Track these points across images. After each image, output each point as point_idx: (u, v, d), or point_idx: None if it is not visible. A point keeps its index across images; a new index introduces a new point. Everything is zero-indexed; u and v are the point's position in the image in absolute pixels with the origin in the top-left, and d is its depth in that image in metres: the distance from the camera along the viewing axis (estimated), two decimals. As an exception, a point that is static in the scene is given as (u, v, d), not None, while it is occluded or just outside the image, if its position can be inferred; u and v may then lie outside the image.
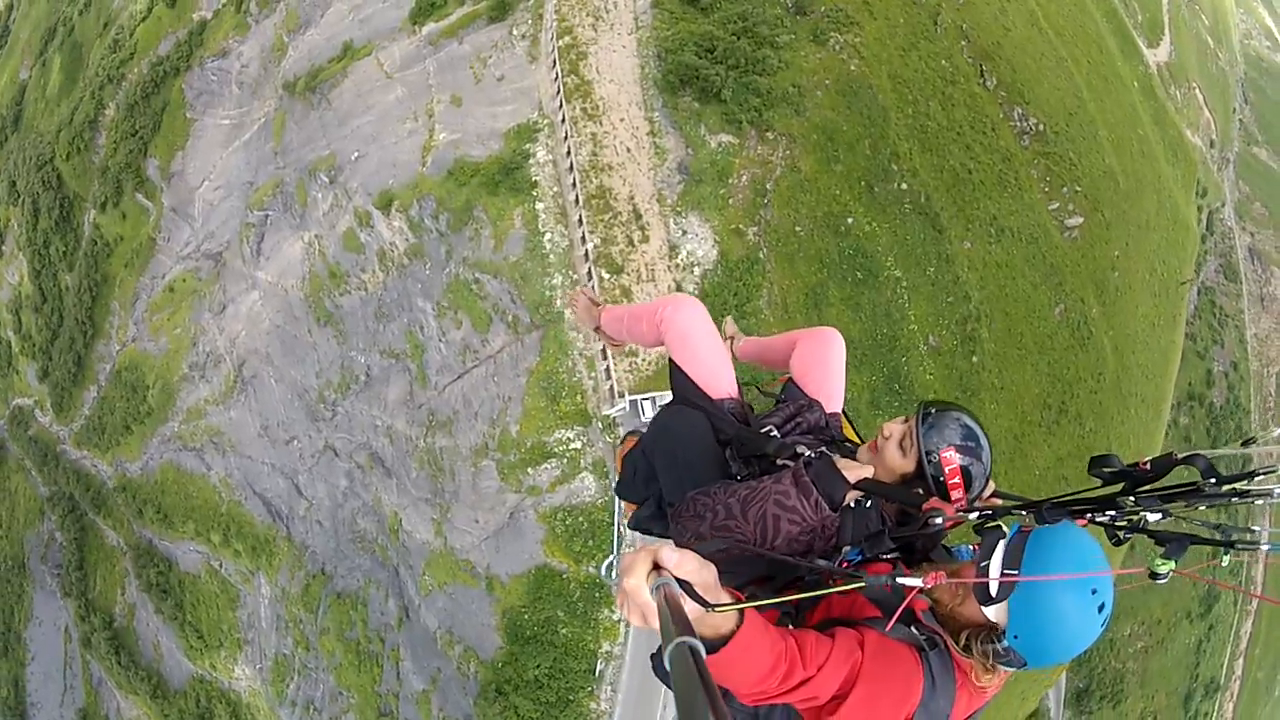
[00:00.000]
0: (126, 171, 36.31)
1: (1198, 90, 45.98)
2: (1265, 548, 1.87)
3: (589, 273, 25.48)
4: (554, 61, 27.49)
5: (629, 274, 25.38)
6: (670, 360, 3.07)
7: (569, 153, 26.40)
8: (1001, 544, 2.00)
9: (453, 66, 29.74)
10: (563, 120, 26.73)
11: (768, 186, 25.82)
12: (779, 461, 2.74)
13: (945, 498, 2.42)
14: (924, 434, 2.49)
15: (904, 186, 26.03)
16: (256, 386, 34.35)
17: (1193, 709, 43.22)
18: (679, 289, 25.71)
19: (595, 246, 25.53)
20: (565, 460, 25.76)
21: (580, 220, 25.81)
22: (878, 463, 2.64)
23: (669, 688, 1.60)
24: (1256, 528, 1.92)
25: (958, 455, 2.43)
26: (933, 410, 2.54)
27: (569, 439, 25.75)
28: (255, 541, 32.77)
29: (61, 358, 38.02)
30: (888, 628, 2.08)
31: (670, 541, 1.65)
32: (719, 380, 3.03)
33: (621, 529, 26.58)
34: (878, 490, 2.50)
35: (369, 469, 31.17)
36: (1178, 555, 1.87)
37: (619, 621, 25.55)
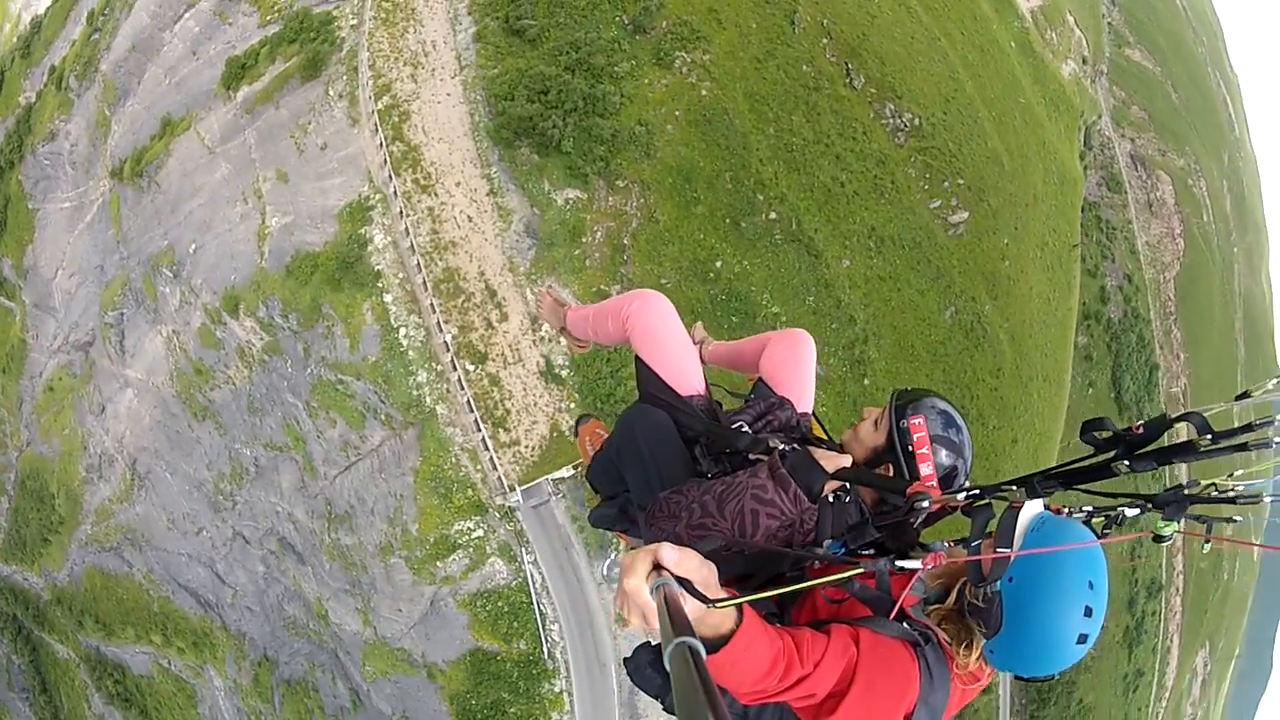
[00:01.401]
0: None
1: (1070, 16, 42.98)
2: (1269, 499, 1.89)
3: (452, 364, 24.59)
4: (376, 126, 25.30)
5: (494, 360, 24.30)
6: (636, 357, 3.04)
7: (407, 232, 24.66)
8: (992, 522, 2.03)
9: (273, 136, 27.30)
10: (395, 195, 24.87)
11: (625, 242, 24.35)
12: (752, 456, 2.72)
13: (914, 470, 2.49)
14: (898, 407, 2.58)
15: (772, 215, 24.62)
16: (153, 482, 33.71)
17: (1138, 611, 45.82)
18: (547, 364, 24.81)
19: (453, 337, 24.32)
20: (471, 549, 25.62)
21: (433, 308, 24.65)
22: (854, 442, 2.73)
23: (645, 692, 1.98)
24: (1250, 482, 1.92)
25: (926, 424, 2.51)
26: (909, 390, 2.66)
27: (469, 529, 25.47)
28: (194, 635, 32.85)
29: None
30: (889, 618, 2.11)
31: (668, 543, 1.64)
32: (686, 376, 3.01)
33: (542, 606, 27.32)
34: (857, 478, 2.51)
35: (281, 555, 30.96)
36: (1178, 516, 1.93)
37: (560, 693, 26.53)
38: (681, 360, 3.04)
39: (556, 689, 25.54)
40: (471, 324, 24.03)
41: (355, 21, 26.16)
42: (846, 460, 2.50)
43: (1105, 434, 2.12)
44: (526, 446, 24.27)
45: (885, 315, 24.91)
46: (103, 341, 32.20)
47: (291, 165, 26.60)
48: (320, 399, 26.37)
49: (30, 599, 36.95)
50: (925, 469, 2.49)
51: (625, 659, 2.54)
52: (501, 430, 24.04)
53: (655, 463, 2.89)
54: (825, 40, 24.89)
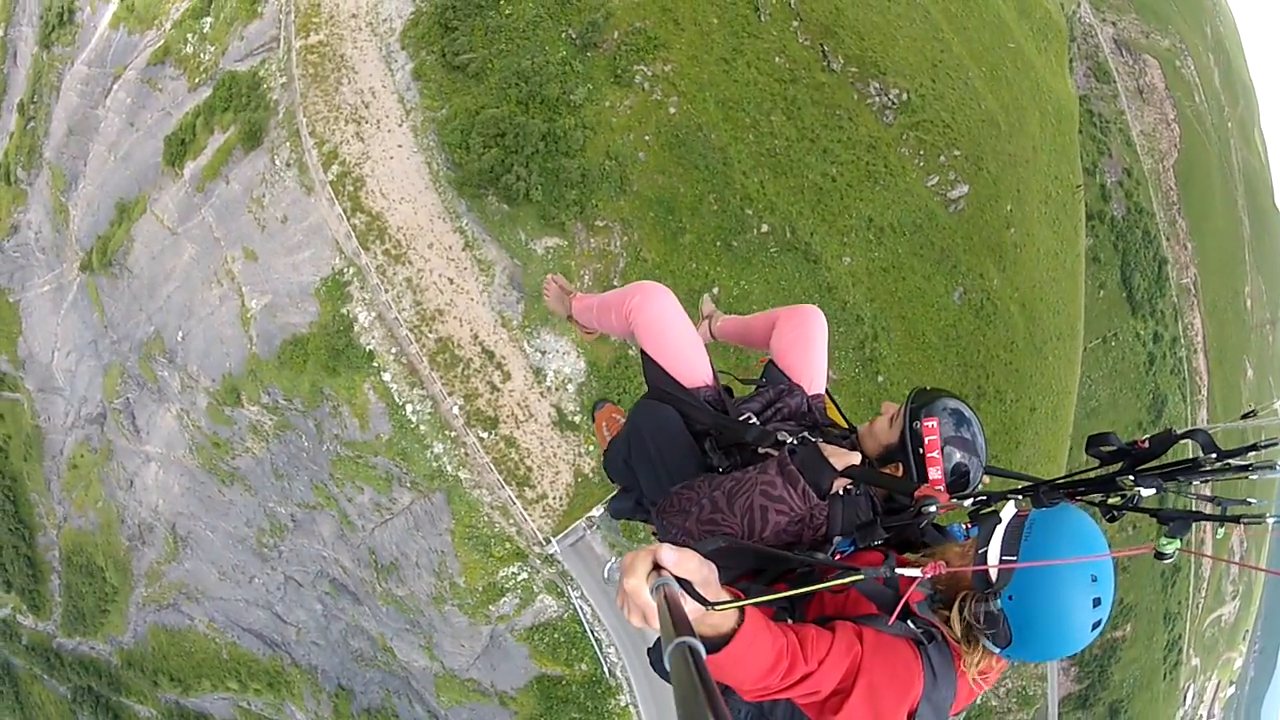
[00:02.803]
0: None
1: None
2: (1271, 519, 1.97)
3: (465, 431, 25.01)
4: (331, 198, 24.35)
5: (505, 422, 24.56)
6: (642, 351, 3.11)
7: (391, 306, 24.39)
8: (999, 529, 2.11)
9: (231, 213, 26.31)
10: (369, 269, 24.33)
11: (615, 283, 23.88)
12: (761, 450, 2.82)
13: (923, 473, 2.56)
14: (913, 407, 2.66)
15: (764, 228, 23.81)
16: (196, 540, 35.23)
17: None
18: (559, 414, 25.03)
19: (460, 408, 24.63)
20: (519, 590, 26.96)
21: (434, 379, 24.76)
22: (869, 437, 2.82)
23: (668, 682, 2.44)
24: (1255, 499, 2.08)
25: (939, 427, 2.58)
26: (927, 389, 2.73)
27: (514, 574, 26.67)
28: (268, 675, 35.40)
29: (14, 566, 38.56)
30: (890, 622, 2.21)
31: (668, 544, 1.71)
32: (692, 369, 3.06)
33: (596, 634, 29.14)
34: (866, 477, 2.59)
35: (336, 595, 32.88)
36: (1182, 533, 1.99)
37: (626, 706, 28.81)
38: (686, 353, 3.06)
39: (622, 703, 27.72)
40: (476, 390, 24.24)
41: (284, 79, 24.51)
42: (855, 458, 2.58)
43: (1110, 448, 2.20)
44: (554, 498, 25.09)
45: (892, 307, 24.63)
46: (115, 424, 32.87)
47: (257, 242, 25.96)
48: (342, 471, 27.14)
49: (101, 667, 39.28)
50: (934, 472, 2.54)
51: (648, 650, 2.61)
52: (527, 488, 24.79)
53: (664, 459, 2.98)
54: (795, 23, 22.95)
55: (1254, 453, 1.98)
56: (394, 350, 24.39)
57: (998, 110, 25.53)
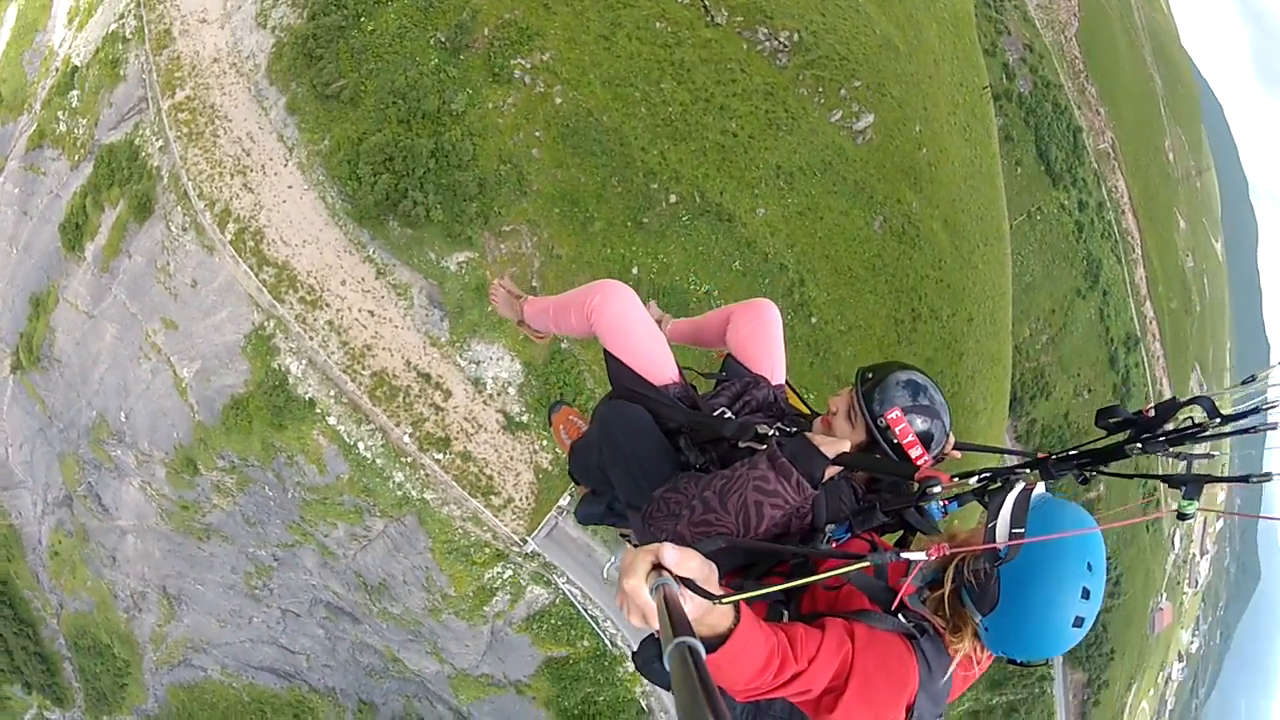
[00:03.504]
0: None
1: None
2: (1278, 476, 1.99)
3: (421, 457, 25.39)
4: (234, 257, 24.04)
5: (456, 438, 24.80)
6: (605, 351, 3.09)
7: (320, 353, 24.46)
8: (1008, 503, 2.10)
9: (141, 287, 25.88)
10: (288, 319, 24.26)
11: (534, 284, 23.88)
12: (741, 444, 2.77)
13: (905, 458, 2.59)
14: (866, 401, 2.66)
15: (673, 199, 23.70)
16: (189, 596, 35.79)
17: (1120, 367, 48.51)
18: (506, 418, 25.32)
19: (411, 435, 24.96)
20: (508, 587, 27.89)
21: (379, 414, 25.01)
22: (829, 436, 2.73)
23: (654, 684, 2.37)
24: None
25: (906, 415, 2.59)
26: (869, 375, 2.71)
27: (500, 573, 27.33)
28: (291, 707, 36.27)
29: (28, 666, 39.05)
30: (889, 613, 2.23)
31: (669, 544, 1.71)
32: (659, 366, 3.06)
33: (590, 612, 30.23)
34: (861, 464, 2.60)
35: (335, 619, 33.88)
36: (1197, 495, 2.03)
37: (634, 671, 30.11)
38: (652, 350, 3.06)
39: (630, 669, 29.14)
40: (421, 415, 24.50)
41: (160, 143, 23.91)
42: (845, 445, 2.57)
43: (1116, 419, 2.24)
44: (520, 499, 25.67)
45: (814, 249, 24.82)
46: (83, 508, 33.09)
47: (172, 310, 25.72)
48: (312, 513, 27.54)
49: (132, 742, 40.86)
50: (915, 452, 2.57)
51: (633, 653, 2.63)
52: (492, 495, 25.30)
53: (638, 460, 2.94)
54: (668, -17, 22.66)
55: (1255, 415, 2.03)
56: (333, 393, 24.56)
57: (893, 31, 25.26)
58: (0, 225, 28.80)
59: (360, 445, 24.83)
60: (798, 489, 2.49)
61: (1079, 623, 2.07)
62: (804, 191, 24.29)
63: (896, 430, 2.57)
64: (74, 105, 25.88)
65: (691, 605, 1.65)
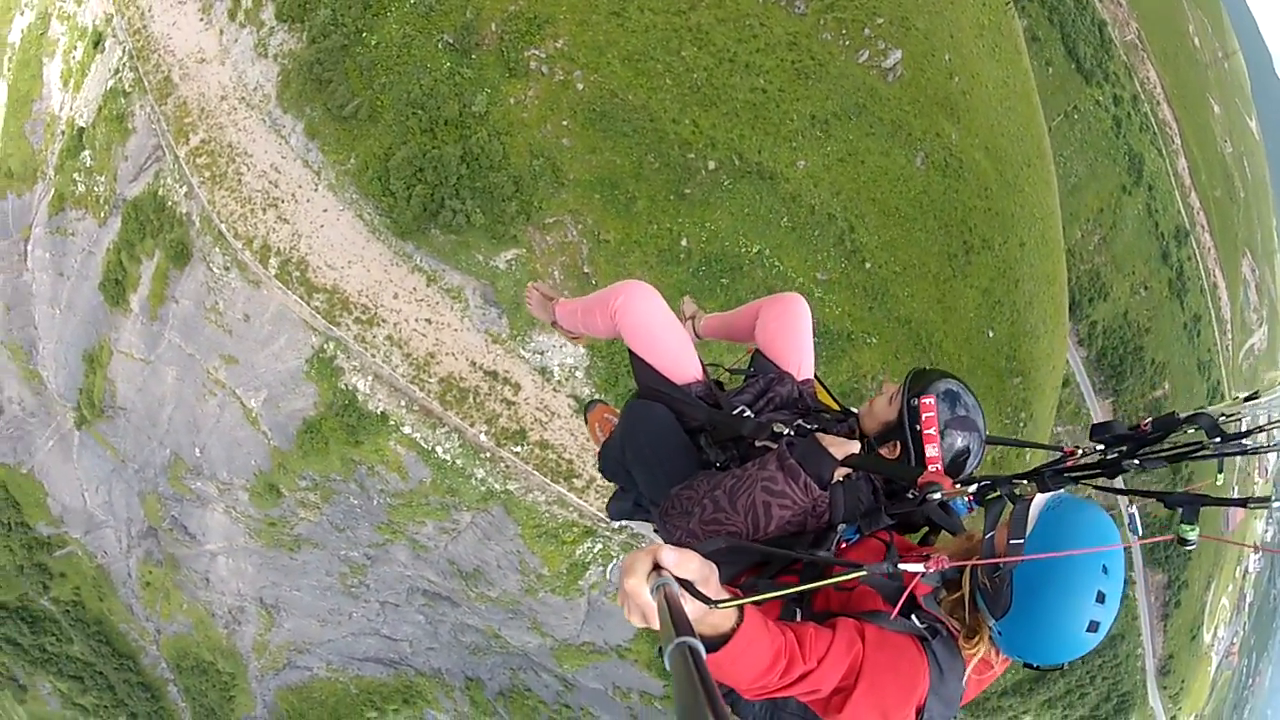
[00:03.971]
0: (30, 567, 36.17)
1: None
2: (1277, 504, 1.99)
3: (499, 452, 26.06)
4: (282, 289, 24.15)
5: (532, 429, 25.46)
6: (630, 351, 3.14)
7: (385, 367, 24.85)
8: (1006, 513, 2.15)
9: (194, 329, 26.22)
10: (347, 340, 24.60)
11: (586, 270, 23.92)
12: (758, 443, 2.85)
13: (920, 449, 2.61)
14: (911, 382, 2.75)
15: (711, 165, 23.33)
16: (287, 603, 37.59)
17: (1173, 261, 47.82)
18: (577, 402, 25.85)
19: (486, 433, 25.59)
20: (600, 559, 29.27)
21: (452, 417, 25.55)
22: (869, 416, 2.88)
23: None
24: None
25: (937, 405, 2.64)
26: (924, 370, 2.80)
27: (590, 548, 28.70)
28: (401, 693, 38.09)
29: (132, 698, 40.88)
30: (892, 616, 2.24)
31: (668, 544, 1.70)
32: (682, 365, 3.11)
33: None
34: (867, 465, 2.65)
35: (433, 604, 35.68)
36: (1192, 518, 2.04)
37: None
38: (675, 350, 3.10)
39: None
40: (494, 412, 25.11)
41: (185, 189, 23.80)
42: (854, 446, 2.62)
43: (1114, 433, 2.22)
44: (601, 478, 26.70)
45: (859, 193, 24.52)
46: (170, 539, 34.61)
47: (229, 346, 26.18)
48: (398, 515, 28.69)
49: (249, 753, 43.55)
50: (931, 449, 2.56)
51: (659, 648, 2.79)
52: (574, 479, 26.17)
53: (660, 459, 3.00)
54: (673, -57, 21.68)
55: (1260, 433, 2.00)
56: (403, 404, 25.18)
57: (909, -46, 24.28)
58: (38, 289, 29.04)
59: (438, 449, 25.61)
60: (806, 490, 2.54)
61: (1094, 627, 2.05)
62: (841, 138, 23.89)
63: (924, 417, 2.59)
64: (88, 165, 25.69)
65: (693, 605, 1.66)
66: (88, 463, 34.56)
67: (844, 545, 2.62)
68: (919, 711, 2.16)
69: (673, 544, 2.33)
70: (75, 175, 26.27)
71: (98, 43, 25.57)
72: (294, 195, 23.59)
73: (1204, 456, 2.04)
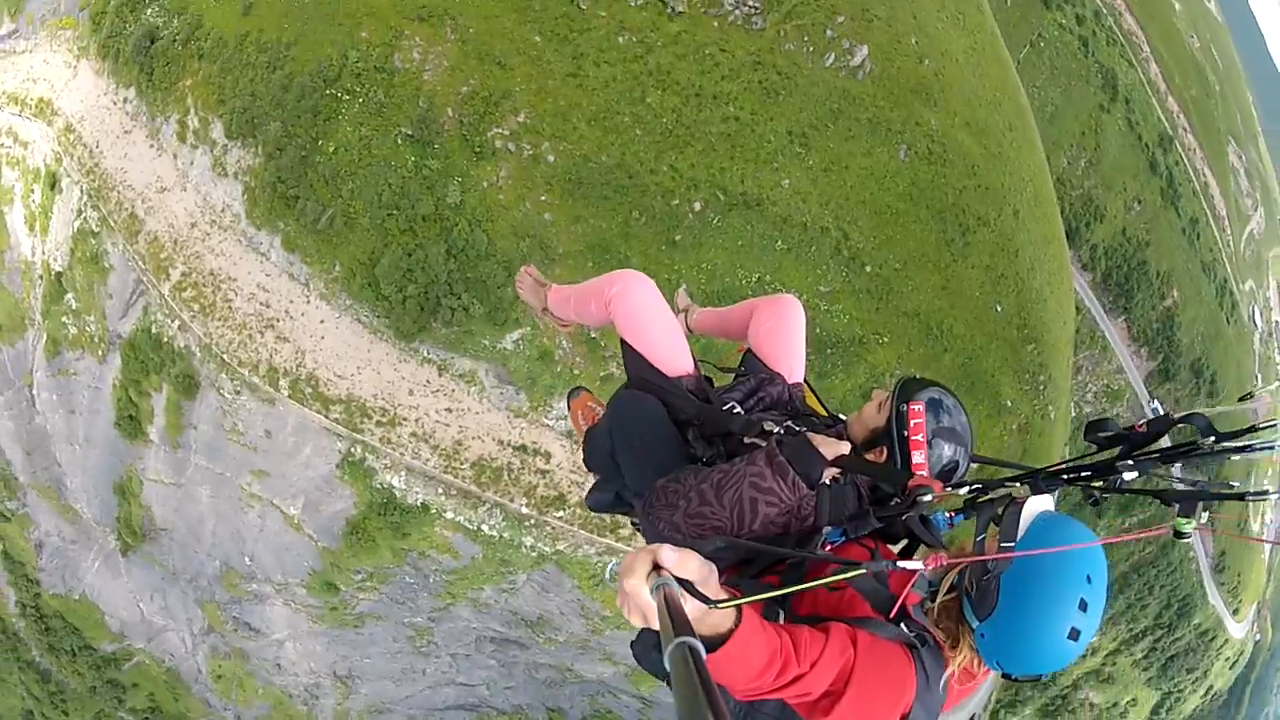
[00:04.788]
0: (102, 685, 37.53)
1: None
2: (1274, 495, 2.05)
3: (543, 519, 26.51)
4: (298, 406, 24.31)
5: (570, 490, 25.63)
6: (622, 340, 3.20)
7: (415, 461, 25.20)
8: (1023, 516, 2.15)
9: (218, 450, 26.44)
10: (375, 443, 24.85)
11: (593, 335, 24.01)
12: (746, 440, 2.88)
13: (906, 456, 2.62)
14: (902, 389, 2.77)
15: (696, 206, 22.96)
16: (360, 671, 38.44)
17: (1161, 169, 46.93)
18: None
19: (527, 504, 26.00)
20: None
21: (492, 495, 25.96)
22: (857, 423, 2.93)
23: (653, 675, 2.48)
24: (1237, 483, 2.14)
25: (925, 413, 2.64)
26: (915, 379, 2.82)
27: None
28: None
29: None
30: (892, 614, 2.28)
31: (668, 544, 1.73)
32: (674, 357, 3.14)
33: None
34: (856, 467, 2.65)
35: (504, 648, 36.82)
36: (1191, 513, 2.06)
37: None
38: (668, 342, 3.11)
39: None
40: (531, 484, 25.51)
41: (177, 323, 23.79)
42: (845, 447, 2.61)
43: (1108, 433, 2.23)
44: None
45: (848, 199, 24.14)
46: (235, 636, 35.68)
47: (257, 462, 26.51)
48: (457, 587, 29.60)
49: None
50: (917, 456, 2.56)
51: (631, 642, 2.70)
52: (619, 529, 26.83)
53: (648, 449, 3.01)
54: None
55: (1252, 434, 2.02)
56: (441, 491, 25.60)
57: (860, -57, 23.48)
58: (54, 429, 29.36)
59: (484, 527, 26.15)
60: (793, 488, 2.54)
61: (1075, 635, 2.10)
62: (822, 148, 23.57)
63: (911, 423, 2.60)
64: (74, 307, 25.64)
65: (692, 605, 1.68)
66: (138, 575, 35.36)
67: (828, 548, 2.62)
68: (903, 718, 2.19)
69: (655, 536, 2.52)
70: (64, 319, 26.30)
71: (53, 184, 25.23)
72: (288, 311, 23.60)
73: (1200, 456, 2.04)
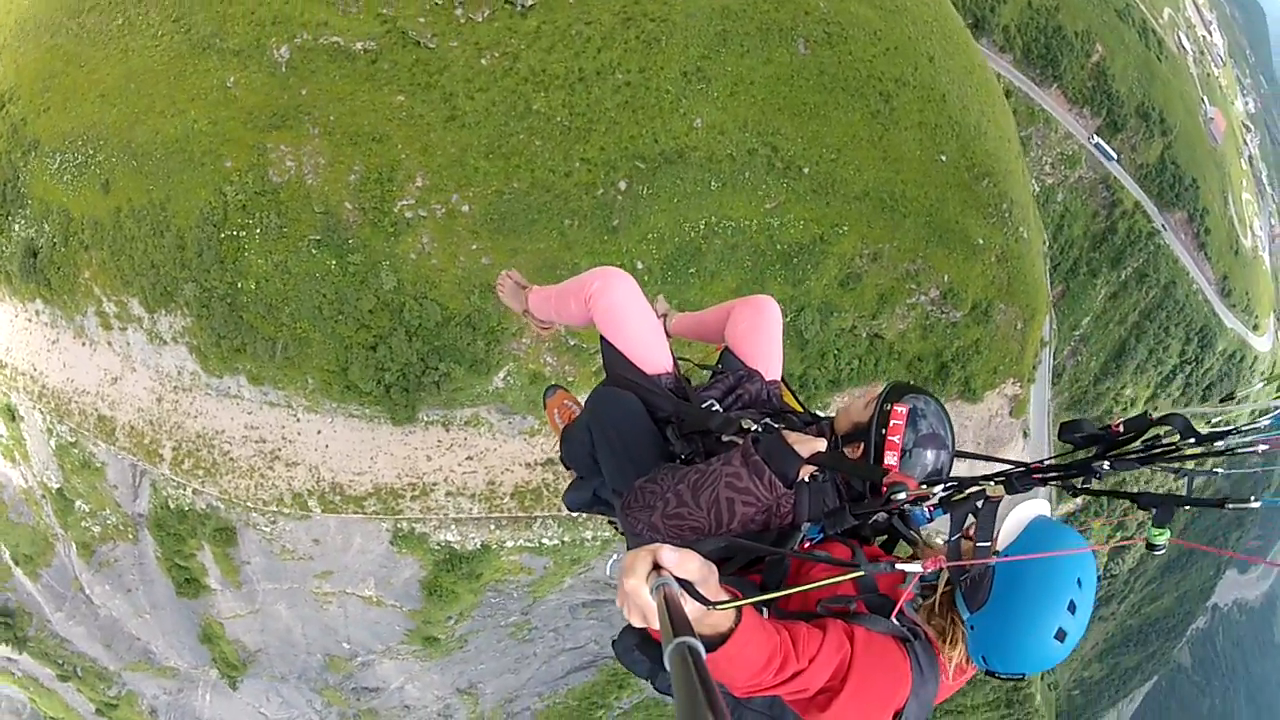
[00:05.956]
0: None
1: None
2: (1256, 504, 1.97)
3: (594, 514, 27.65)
4: (336, 518, 25.25)
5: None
6: (602, 337, 3.21)
7: (461, 514, 26.22)
8: (1012, 517, 2.18)
9: (277, 573, 26.97)
10: (417, 515, 25.86)
11: (571, 342, 24.17)
12: (724, 438, 2.90)
13: (880, 454, 2.62)
14: (890, 391, 2.76)
15: (622, 185, 22.11)
16: (479, 678, 37.86)
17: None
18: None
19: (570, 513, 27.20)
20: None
21: (539, 514, 27.27)
22: (844, 414, 2.94)
23: (635, 674, 2.58)
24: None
25: (907, 416, 2.63)
26: (907, 384, 2.80)
27: None
28: (614, 681, 39.44)
29: None
30: (894, 614, 2.32)
31: (667, 544, 1.74)
32: (653, 355, 3.17)
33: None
34: (831, 463, 2.67)
35: (598, 608, 38.87)
36: (1168, 520, 2.03)
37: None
38: (648, 339, 3.17)
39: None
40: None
41: (189, 490, 24.38)
42: (820, 444, 2.69)
43: (1084, 433, 2.25)
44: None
45: (765, 113, 23.10)
46: (360, 703, 38.59)
47: (317, 566, 27.20)
48: (539, 590, 31.71)
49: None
50: (890, 456, 2.58)
51: (613, 640, 2.73)
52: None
53: (627, 447, 3.07)
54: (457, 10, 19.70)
55: (1233, 435, 2.00)
56: (493, 528, 27.14)
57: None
58: (119, 613, 30.73)
59: (544, 540, 27.90)
60: (770, 487, 2.57)
61: (1062, 635, 2.15)
62: (721, 74, 23.11)
63: (891, 423, 2.61)
64: (87, 510, 26.38)
65: (692, 605, 1.70)
66: (250, 690, 37.40)
67: (807, 546, 2.68)
68: (898, 714, 2.25)
69: (635, 538, 2.58)
70: (83, 524, 27.14)
71: (12, 416, 25.39)
72: (284, 437, 24.24)
73: (1178, 458, 2.03)
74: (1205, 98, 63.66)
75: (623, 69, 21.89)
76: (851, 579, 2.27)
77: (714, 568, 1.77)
